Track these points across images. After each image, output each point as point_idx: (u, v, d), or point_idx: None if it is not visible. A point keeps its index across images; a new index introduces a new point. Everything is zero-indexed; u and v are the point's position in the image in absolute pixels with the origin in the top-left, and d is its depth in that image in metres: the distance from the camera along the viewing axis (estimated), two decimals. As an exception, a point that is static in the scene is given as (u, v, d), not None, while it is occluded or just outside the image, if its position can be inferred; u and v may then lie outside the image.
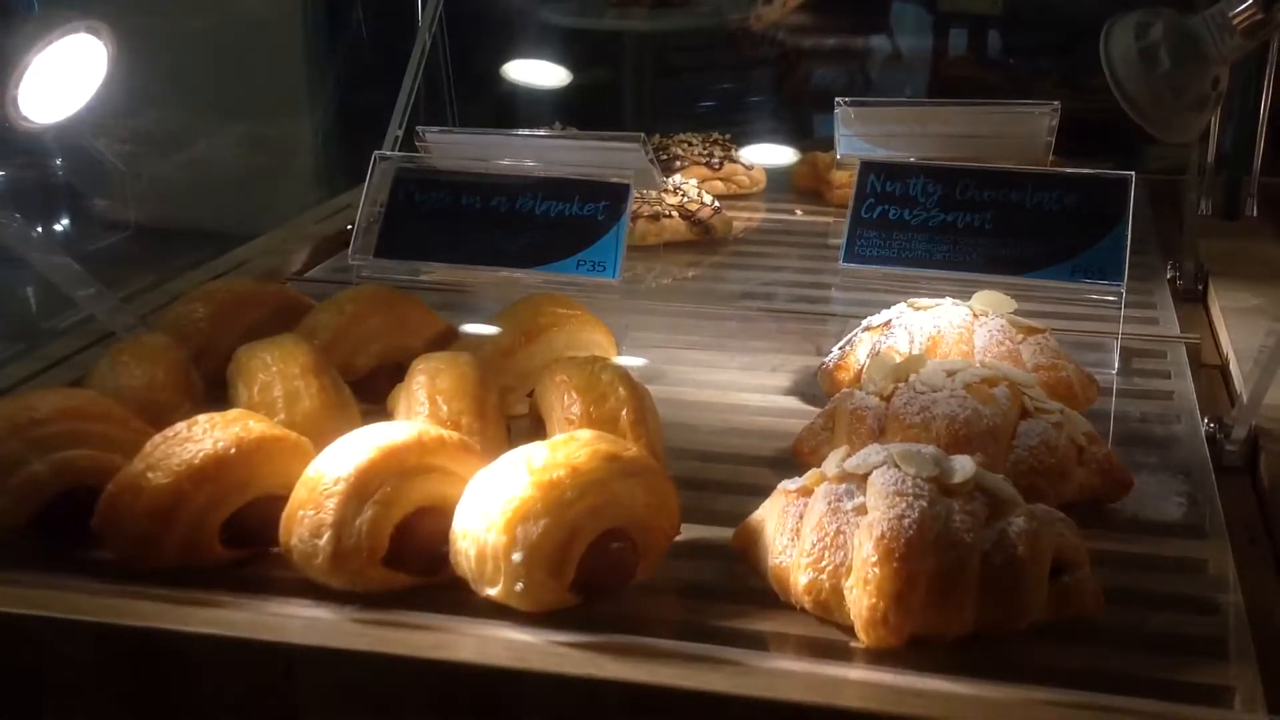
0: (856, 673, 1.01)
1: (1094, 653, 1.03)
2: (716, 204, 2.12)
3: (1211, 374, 1.61)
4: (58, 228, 2.08)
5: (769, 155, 2.43)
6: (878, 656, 1.02)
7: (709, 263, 2.03)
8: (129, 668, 1.07)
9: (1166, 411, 1.46)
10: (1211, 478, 1.30)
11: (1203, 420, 1.41)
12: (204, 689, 1.06)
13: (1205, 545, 1.18)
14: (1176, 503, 1.26)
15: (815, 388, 1.53)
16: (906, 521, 1.03)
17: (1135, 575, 1.13)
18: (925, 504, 1.05)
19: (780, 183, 2.38)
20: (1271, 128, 2.07)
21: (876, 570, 1.02)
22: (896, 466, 1.08)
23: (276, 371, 1.28)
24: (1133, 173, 1.55)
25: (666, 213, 2.05)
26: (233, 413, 1.18)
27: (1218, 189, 2.14)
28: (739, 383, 1.57)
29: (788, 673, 1.01)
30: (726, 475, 1.34)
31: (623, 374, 1.30)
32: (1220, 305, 1.75)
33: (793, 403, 1.52)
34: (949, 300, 1.48)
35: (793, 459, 1.34)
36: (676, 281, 1.96)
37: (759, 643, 1.05)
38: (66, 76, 1.41)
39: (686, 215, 2.06)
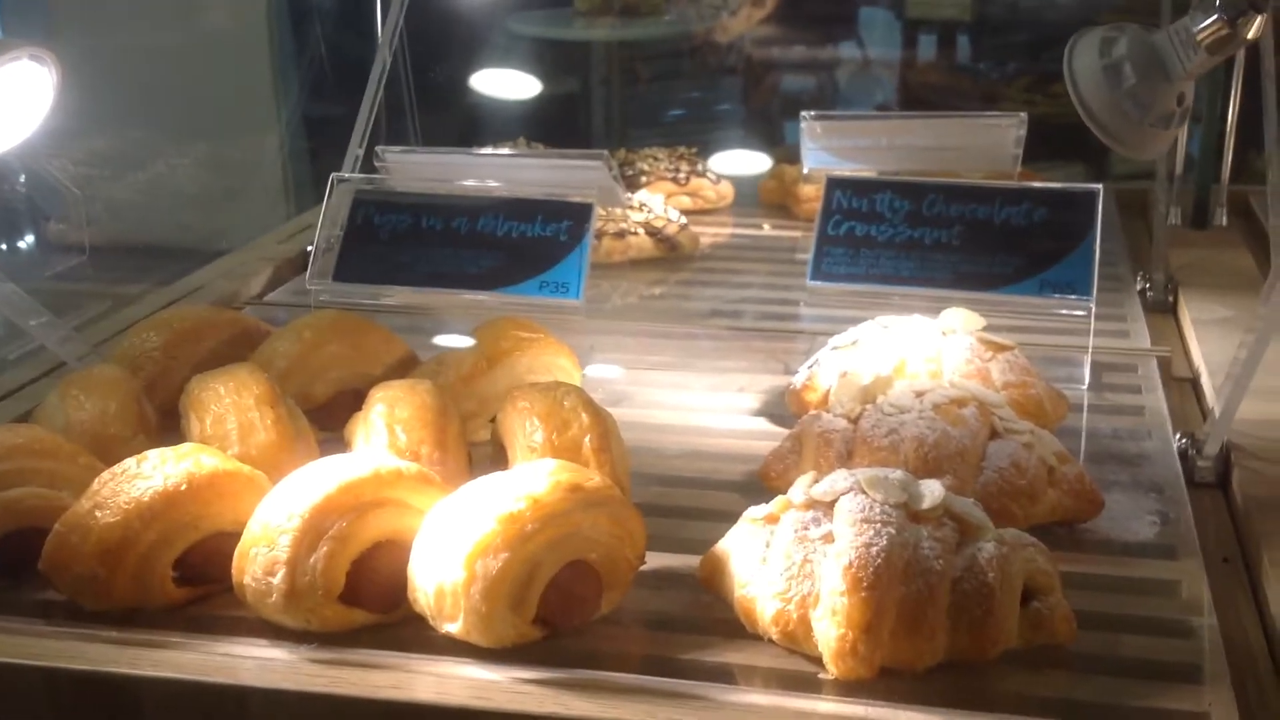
0: (826, 705, 0.99)
1: (1067, 680, 1.01)
2: (683, 220, 2.10)
3: (1183, 387, 1.59)
4: (8, 253, 2.04)
5: (738, 164, 2.41)
6: (848, 688, 1.00)
7: (675, 280, 2.01)
8: (79, 712, 1.04)
9: (1138, 427, 1.44)
10: (1184, 495, 1.28)
11: (1175, 436, 1.39)
12: (157, 733, 1.03)
13: (1178, 566, 1.16)
14: (1149, 522, 1.24)
15: (783, 408, 1.51)
16: (874, 550, 1.01)
17: (1108, 598, 1.11)
18: (893, 531, 1.02)
19: (747, 197, 2.36)
20: (1239, 136, 2.06)
21: (845, 600, 1.00)
22: (864, 493, 1.06)
23: (230, 403, 1.25)
24: (1100, 186, 1.54)
25: (632, 230, 2.02)
26: (184, 447, 1.15)
27: (1186, 198, 2.13)
28: (706, 404, 1.55)
29: (755, 707, 0.98)
30: (693, 500, 1.31)
31: (586, 400, 1.27)
32: (1191, 317, 1.73)
33: (760, 424, 1.50)
34: (917, 317, 1.46)
35: (760, 483, 1.31)
36: (643, 300, 1.93)
37: (726, 675, 1.03)
38: (10, 104, 1.38)
39: (652, 232, 2.04)
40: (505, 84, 2.69)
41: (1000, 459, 1.21)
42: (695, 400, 1.56)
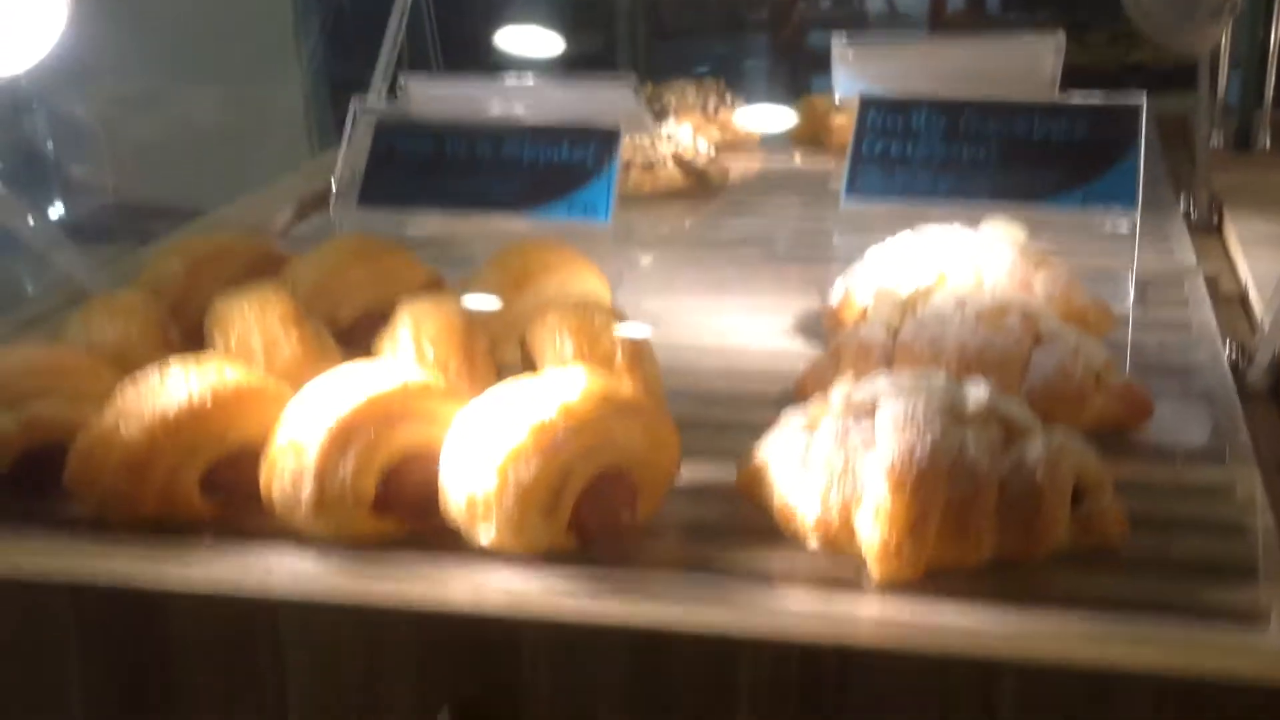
0: (870, 608, 0.95)
1: (1119, 580, 0.97)
2: (712, 151, 2.06)
3: (1230, 305, 1.55)
4: (32, 191, 2.02)
5: (764, 119, 2.35)
6: (892, 591, 0.97)
7: (705, 211, 1.97)
8: (106, 627, 1.02)
9: (1185, 341, 1.40)
10: (1236, 404, 1.24)
11: (1225, 346, 1.35)
12: (186, 644, 1.01)
13: (1231, 470, 1.12)
14: (1199, 429, 1.20)
15: (819, 330, 1.47)
16: (918, 451, 0.98)
17: (1159, 502, 1.08)
18: (937, 432, 0.99)
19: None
20: (1281, 60, 2.01)
21: (888, 502, 0.97)
22: (906, 395, 1.02)
23: (254, 320, 1.23)
24: (1144, 97, 1.49)
25: (660, 161, 1.99)
26: (208, 359, 1.13)
27: (1228, 125, 2.08)
28: (739, 327, 1.52)
29: (798, 609, 0.95)
30: (729, 415, 1.28)
31: (618, 315, 1.24)
32: (1237, 235, 1.69)
33: (796, 345, 1.46)
34: (957, 226, 1.42)
35: (796, 399, 1.28)
36: (672, 230, 1.90)
37: (766, 580, 1.00)
38: (22, 26, 1.35)
39: (681, 164, 2.00)
40: (528, 38, 2.64)
41: (1046, 366, 1.18)
42: (728, 323, 1.53)
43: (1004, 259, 1.37)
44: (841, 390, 1.06)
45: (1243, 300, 1.56)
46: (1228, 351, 1.34)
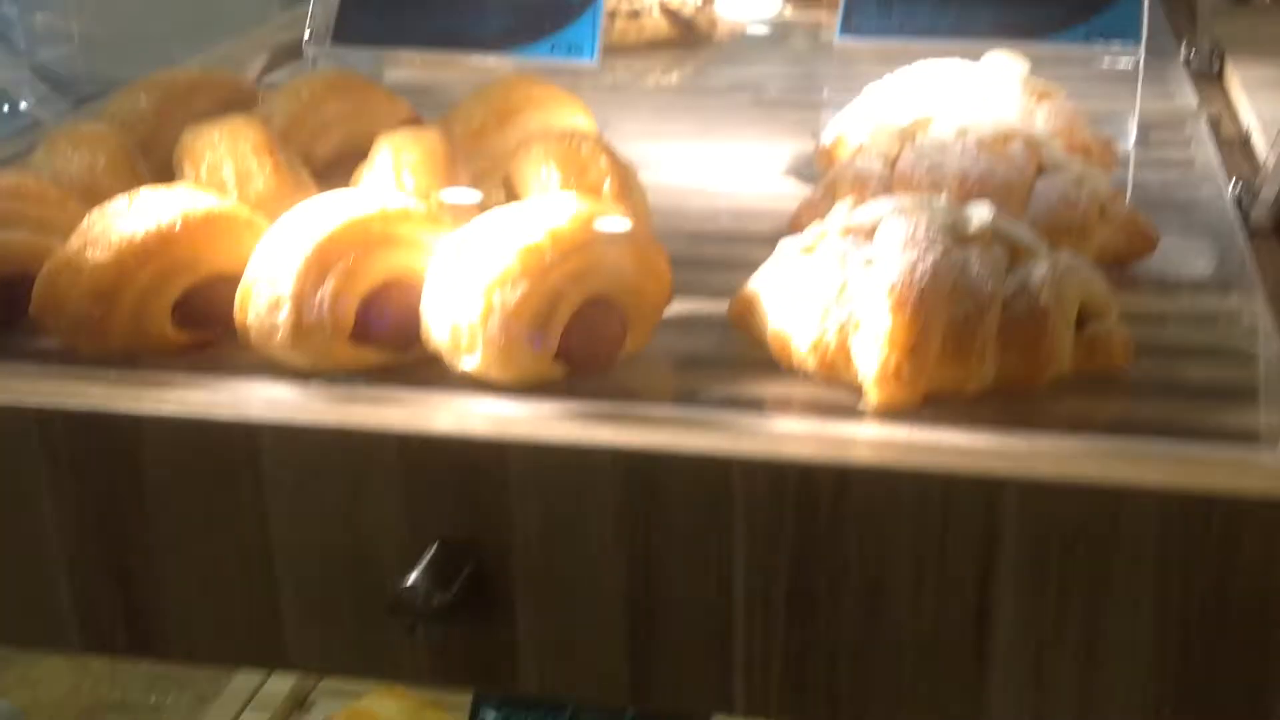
0: (867, 429, 0.93)
1: (1125, 404, 0.95)
2: (699, 1, 1.99)
3: (1232, 147, 1.51)
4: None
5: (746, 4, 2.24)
6: (890, 416, 0.94)
7: (694, 61, 1.91)
8: (76, 457, 0.99)
9: (1188, 179, 1.37)
10: (1241, 237, 1.21)
11: (1228, 183, 1.31)
12: (161, 473, 0.97)
13: (1237, 299, 1.10)
14: (1205, 261, 1.17)
15: (812, 173, 1.42)
16: (920, 270, 0.94)
17: (1165, 330, 1.05)
18: (940, 252, 0.95)
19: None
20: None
21: (888, 322, 0.93)
22: (908, 216, 0.98)
23: (226, 150, 1.18)
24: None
25: (646, 10, 1.92)
26: (179, 186, 1.08)
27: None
28: (729, 168, 1.47)
29: (792, 434, 0.93)
30: (719, 253, 1.25)
31: (605, 146, 1.19)
32: (1239, 80, 1.64)
33: (788, 186, 1.42)
34: (957, 60, 1.37)
35: (790, 234, 1.24)
36: (659, 81, 1.84)
37: (760, 407, 0.97)
38: None
39: (668, 12, 1.94)
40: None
41: (1049, 195, 1.14)
42: (717, 165, 1.48)
43: (1005, 91, 1.32)
44: (841, 212, 1.02)
45: (1244, 143, 1.52)
46: (1232, 189, 1.31)
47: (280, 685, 2.03)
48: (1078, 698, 0.89)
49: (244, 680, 2.06)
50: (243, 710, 2.00)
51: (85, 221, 1.05)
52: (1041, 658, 0.89)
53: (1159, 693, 0.88)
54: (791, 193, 1.39)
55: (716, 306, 1.09)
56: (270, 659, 0.97)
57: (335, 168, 1.34)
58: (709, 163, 1.50)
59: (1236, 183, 1.30)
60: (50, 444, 0.98)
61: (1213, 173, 1.38)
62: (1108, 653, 0.88)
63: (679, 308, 1.08)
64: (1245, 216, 1.26)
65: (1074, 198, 1.14)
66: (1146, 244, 1.15)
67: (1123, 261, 1.16)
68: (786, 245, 1.05)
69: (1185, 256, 1.18)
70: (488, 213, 1.03)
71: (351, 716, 1.75)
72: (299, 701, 2.02)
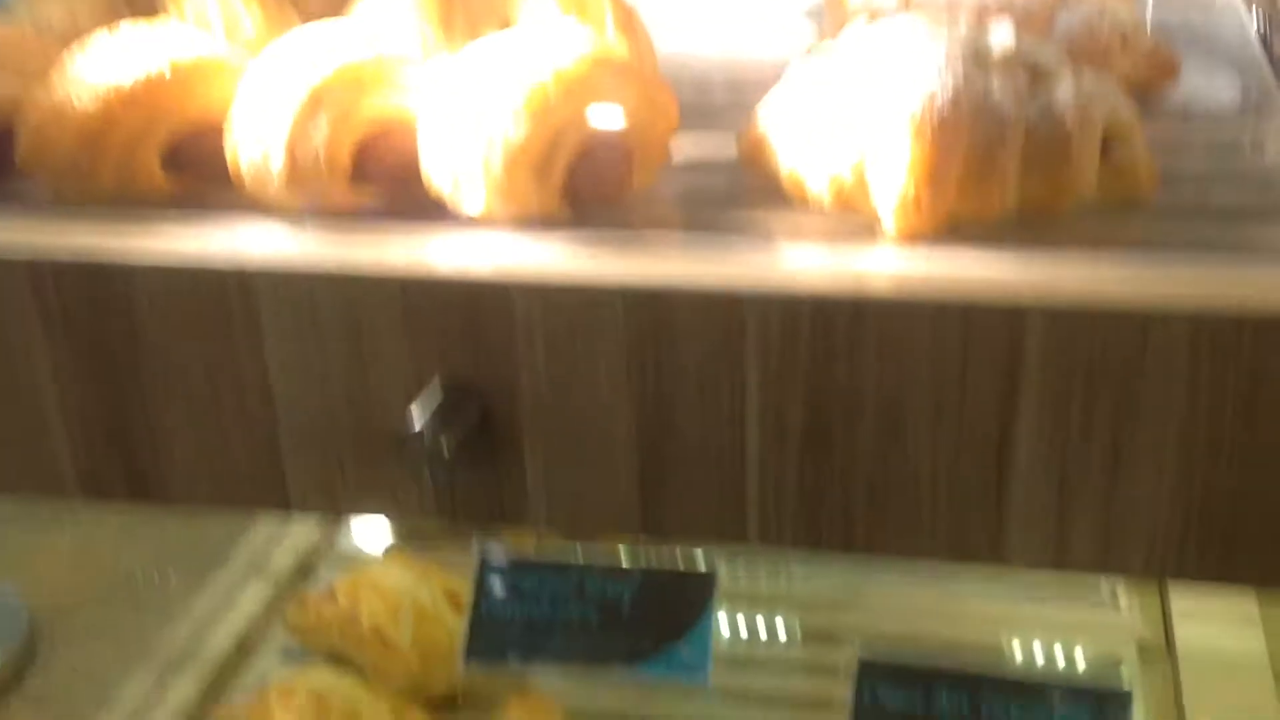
0: (883, 261, 0.90)
1: (1151, 226, 0.91)
2: None
3: (1252, -10, 1.46)
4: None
5: None
6: (908, 245, 0.91)
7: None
8: (67, 309, 0.96)
9: (1210, 14, 1.32)
10: (1266, 69, 1.17)
11: (1252, 17, 1.27)
12: (155, 322, 0.94)
13: (1264, 125, 1.06)
14: (1229, 93, 1.13)
15: (821, 24, 1.37)
16: (940, 95, 0.90)
17: (1190, 157, 1.02)
18: (960, 75, 0.91)
19: None
20: None
21: (907, 151, 0.90)
22: (926, 39, 0.94)
23: (212, -8, 1.13)
24: None
25: None
26: (164, 24, 1.03)
27: None
28: (734, 19, 1.42)
29: (809, 265, 0.89)
30: (726, 98, 1.20)
31: (605, -18, 1.14)
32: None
33: (796, 35, 1.37)
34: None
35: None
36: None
37: (774, 238, 0.94)
38: None
39: None
40: None
41: (1070, 23, 1.10)
42: (722, 15, 1.43)
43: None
44: (854, 31, 0.97)
45: (1267, -15, 1.47)
46: (1255, 24, 1.26)
47: (285, 558, 2.03)
48: (1101, 530, 0.87)
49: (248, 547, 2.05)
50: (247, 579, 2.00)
51: (67, 60, 1.00)
52: (1063, 489, 0.87)
53: (1184, 522, 0.86)
54: (800, 42, 1.35)
55: (725, 147, 1.05)
56: (272, 501, 0.95)
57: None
58: (712, 11, 1.45)
59: (1259, 17, 1.26)
60: (40, 293, 0.96)
61: (1234, 7, 1.33)
62: (1131, 484, 0.86)
63: (687, 149, 1.04)
64: (1268, 48, 1.22)
65: (1097, 26, 1.10)
66: (1169, 71, 1.11)
67: (1145, 91, 1.12)
68: (798, 70, 1.01)
69: (1208, 88, 1.14)
70: (483, 40, 0.99)
71: (355, 583, 1.74)
72: (305, 574, 2.02)
